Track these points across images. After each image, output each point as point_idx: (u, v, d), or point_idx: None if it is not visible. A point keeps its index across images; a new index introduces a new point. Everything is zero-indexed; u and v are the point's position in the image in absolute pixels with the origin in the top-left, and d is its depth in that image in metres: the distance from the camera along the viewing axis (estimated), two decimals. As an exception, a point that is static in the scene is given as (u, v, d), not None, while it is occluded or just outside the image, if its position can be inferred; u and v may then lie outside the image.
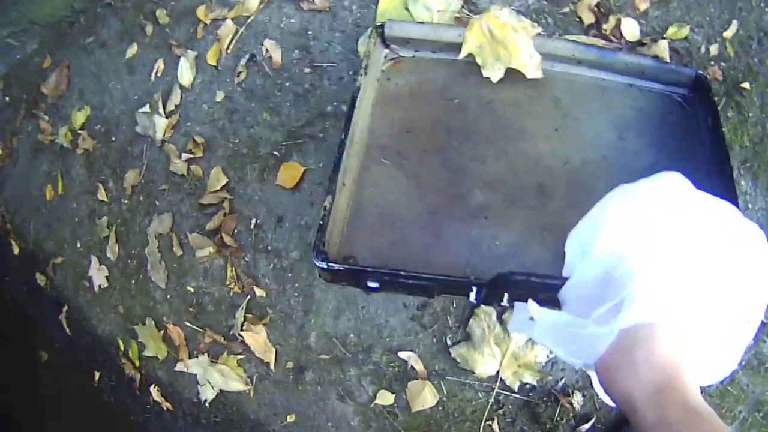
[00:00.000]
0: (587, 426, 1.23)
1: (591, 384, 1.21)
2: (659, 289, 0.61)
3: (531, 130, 1.06)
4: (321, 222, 0.88)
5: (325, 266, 0.85)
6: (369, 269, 0.85)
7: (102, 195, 1.52)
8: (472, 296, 0.84)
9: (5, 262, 1.84)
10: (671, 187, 0.68)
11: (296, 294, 1.26)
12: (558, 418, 1.23)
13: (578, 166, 1.03)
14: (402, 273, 0.84)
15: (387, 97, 1.10)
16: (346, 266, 0.87)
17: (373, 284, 0.86)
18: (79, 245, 1.56)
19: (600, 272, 0.67)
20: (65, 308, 1.60)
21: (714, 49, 1.31)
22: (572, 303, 0.70)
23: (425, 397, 1.23)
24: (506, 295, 0.81)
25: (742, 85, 1.28)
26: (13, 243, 1.79)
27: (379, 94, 1.11)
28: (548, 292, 0.73)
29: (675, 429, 0.55)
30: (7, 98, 1.98)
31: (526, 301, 0.70)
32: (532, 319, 0.70)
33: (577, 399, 1.22)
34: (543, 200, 1.00)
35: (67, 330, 1.61)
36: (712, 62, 1.31)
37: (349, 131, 0.97)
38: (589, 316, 0.65)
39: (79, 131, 1.62)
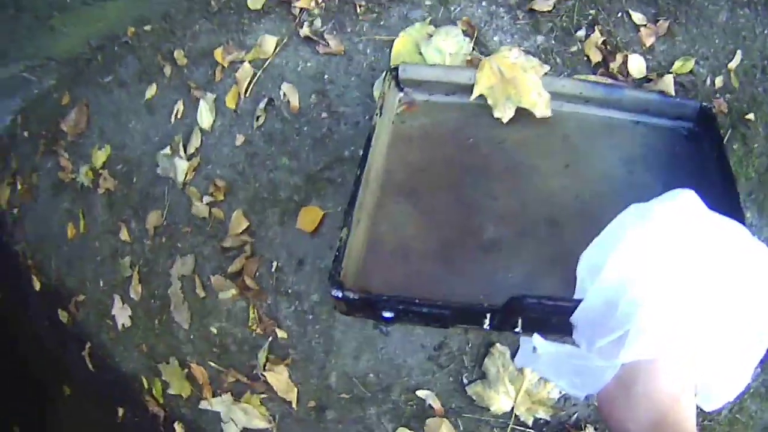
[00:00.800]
0: None
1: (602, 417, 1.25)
2: (662, 323, 0.61)
3: (542, 167, 1.09)
4: (337, 254, 0.90)
5: (341, 295, 0.86)
6: (384, 297, 0.86)
7: (124, 235, 1.57)
8: (486, 323, 0.85)
9: (27, 298, 1.89)
10: (683, 207, 0.68)
11: (317, 335, 1.30)
12: None
13: (588, 199, 1.06)
14: (416, 301, 0.86)
15: (401, 139, 1.14)
16: (360, 295, 0.88)
17: (387, 314, 0.87)
18: (101, 284, 1.61)
19: (607, 298, 0.66)
20: (88, 345, 1.65)
21: (719, 81, 1.34)
22: (583, 328, 0.69)
23: (443, 433, 1.28)
24: (519, 320, 0.82)
25: (747, 116, 1.32)
26: (35, 279, 1.84)
27: (394, 135, 1.15)
28: (560, 316, 0.72)
29: None
30: (26, 133, 2.04)
31: (532, 334, 0.71)
32: (536, 351, 0.70)
33: None
34: (554, 232, 1.02)
35: (90, 366, 1.66)
36: (717, 95, 1.35)
37: (364, 169, 1.00)
38: (596, 344, 0.65)
39: (100, 171, 1.67)
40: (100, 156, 1.70)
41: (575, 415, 1.26)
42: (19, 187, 1.98)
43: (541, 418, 1.26)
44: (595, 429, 1.27)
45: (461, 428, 1.27)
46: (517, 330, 0.85)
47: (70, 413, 1.77)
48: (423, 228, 1.03)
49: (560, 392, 1.25)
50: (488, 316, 0.86)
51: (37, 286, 1.83)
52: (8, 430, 1.81)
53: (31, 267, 1.86)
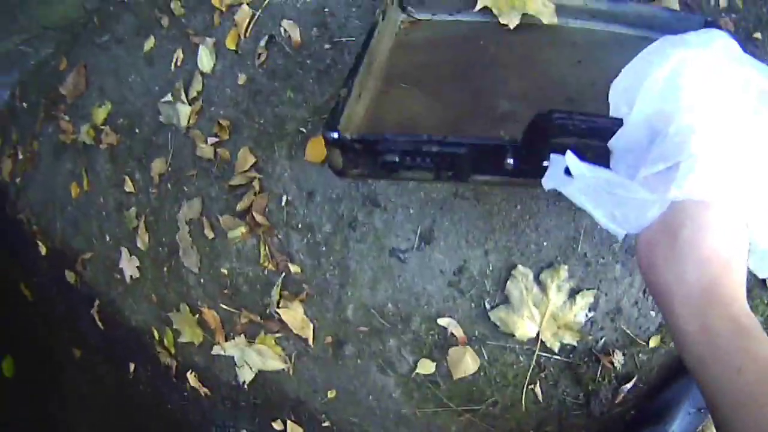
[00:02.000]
0: (629, 385, 1.21)
1: (630, 342, 1.19)
2: (720, 159, 0.53)
3: (554, 60, 1.05)
4: (334, 106, 0.81)
5: (336, 136, 0.77)
6: (387, 137, 0.76)
7: (129, 187, 1.51)
8: (509, 161, 0.73)
9: (33, 264, 1.83)
10: (723, 41, 0.60)
11: (331, 267, 1.24)
12: (600, 379, 1.21)
13: (605, 88, 1.00)
14: (425, 139, 0.76)
15: (405, 46, 1.09)
16: (360, 136, 0.78)
17: (391, 157, 0.77)
18: (108, 239, 1.55)
19: (652, 124, 0.57)
20: (97, 303, 1.59)
21: (723, 2, 1.28)
22: (623, 156, 0.60)
23: (466, 363, 1.21)
24: (548, 152, 0.69)
25: (755, 35, 1.26)
26: (40, 244, 1.79)
27: (397, 43, 1.09)
28: (597, 139, 0.63)
29: (717, 343, 0.49)
30: (25, 104, 1.99)
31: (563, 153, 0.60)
32: (569, 174, 0.60)
33: (618, 358, 1.20)
34: (573, 108, 0.96)
35: (100, 324, 1.60)
36: (723, 14, 1.29)
37: (366, 51, 0.93)
38: (638, 173, 0.56)
39: (102, 127, 1.62)
40: (100, 113, 1.64)
41: (603, 340, 1.20)
42: (20, 157, 1.92)
43: (567, 344, 1.20)
44: (624, 354, 1.20)
45: (485, 357, 1.21)
46: (546, 164, 0.70)
47: (82, 375, 1.71)
48: (430, 107, 0.95)
49: (587, 315, 1.19)
50: (510, 150, 0.75)
51: (43, 251, 1.78)
52: (25, 397, 1.75)
53: (36, 233, 1.80)
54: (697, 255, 0.51)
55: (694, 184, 0.52)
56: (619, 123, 0.61)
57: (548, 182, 0.64)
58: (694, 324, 0.50)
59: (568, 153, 0.60)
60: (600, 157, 0.61)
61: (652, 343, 1.18)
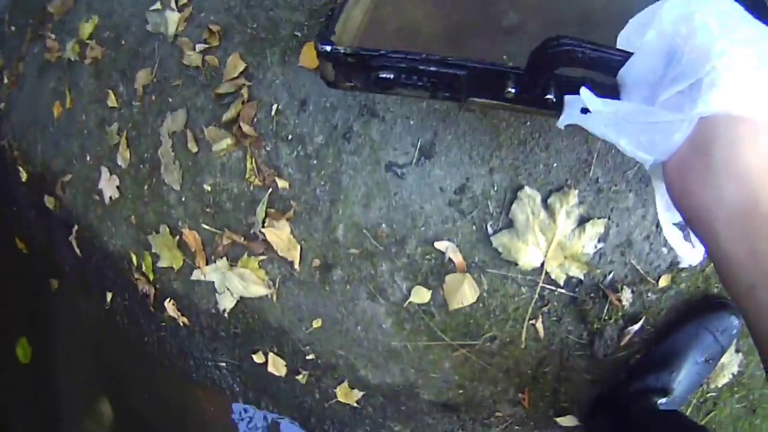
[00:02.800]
0: (636, 327, 1.09)
1: (640, 279, 1.07)
2: (748, 68, 0.47)
3: None
4: (330, 14, 0.76)
5: (329, 49, 0.72)
6: (382, 52, 0.70)
7: (112, 101, 1.39)
8: (510, 88, 0.69)
9: (13, 191, 1.72)
10: None
11: (322, 183, 1.12)
12: (606, 317, 1.09)
13: (623, 7, 0.89)
14: (422, 57, 0.70)
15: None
16: (353, 50, 0.73)
17: (385, 74, 0.72)
18: (88, 158, 1.44)
19: (667, 45, 0.53)
20: (75, 228, 1.48)
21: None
22: (634, 88, 0.56)
23: (464, 292, 1.09)
24: (552, 83, 0.66)
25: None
26: (21, 170, 1.67)
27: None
28: (605, 69, 0.58)
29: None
30: (13, 28, 1.87)
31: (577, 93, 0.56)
32: (585, 112, 0.57)
33: (626, 296, 1.08)
34: (585, 29, 0.85)
35: (78, 251, 1.49)
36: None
37: None
38: (655, 104, 0.52)
39: (87, 41, 1.50)
40: (86, 28, 1.52)
41: (611, 275, 1.08)
42: (6, 80, 1.80)
43: (573, 277, 1.08)
44: (632, 292, 1.08)
45: (485, 286, 1.09)
46: (548, 97, 0.67)
47: (59, 307, 1.60)
48: (433, 13, 0.86)
49: (595, 246, 1.06)
50: (512, 77, 0.69)
51: (24, 176, 1.66)
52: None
53: (18, 158, 1.69)
54: (734, 171, 0.46)
55: (720, 97, 0.47)
56: (629, 56, 0.56)
57: (564, 121, 0.61)
58: (740, 248, 0.46)
59: (583, 90, 0.55)
60: (610, 90, 0.58)
61: (662, 282, 1.06)
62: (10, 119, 1.73)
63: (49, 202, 1.56)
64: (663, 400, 1.06)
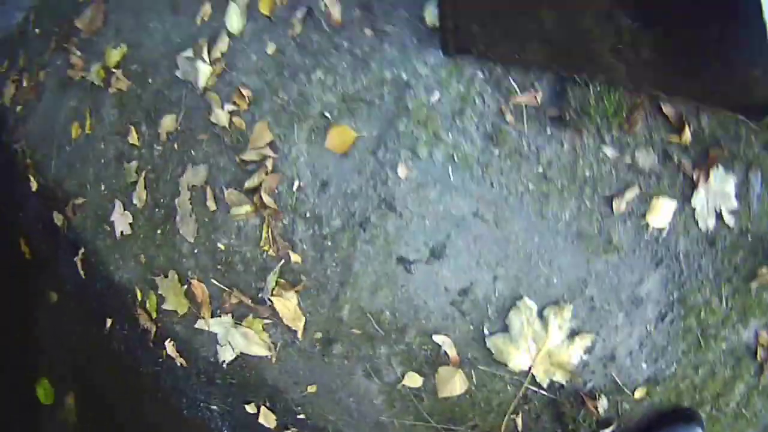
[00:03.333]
0: (608, 431, 1.16)
1: (617, 390, 1.14)
2: None
3: None
4: None
5: None
6: None
7: (133, 138, 1.41)
8: None
9: (22, 198, 1.72)
10: None
11: (334, 264, 1.17)
12: (581, 420, 1.16)
13: None
14: None
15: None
16: None
17: None
18: (103, 188, 1.45)
19: None
20: (82, 251, 1.49)
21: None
22: None
23: (454, 383, 1.16)
24: None
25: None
26: (32, 179, 1.68)
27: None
28: None
29: None
30: (37, 30, 1.85)
31: None
32: None
33: (603, 403, 1.15)
34: None
35: (82, 273, 1.51)
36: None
37: None
38: None
39: (114, 70, 1.50)
40: (114, 55, 1.52)
41: (591, 383, 1.15)
42: (24, 84, 1.79)
43: (557, 382, 1.15)
44: (608, 400, 1.15)
45: (474, 380, 1.16)
46: None
47: (55, 321, 1.62)
48: None
49: (581, 357, 1.14)
50: None
51: (34, 186, 1.66)
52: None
53: (30, 166, 1.69)
54: None
55: None
56: None
57: None
58: None
59: None
60: None
61: (638, 394, 1.14)
62: (26, 125, 1.72)
63: (57, 219, 1.57)
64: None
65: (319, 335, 1.19)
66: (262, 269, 1.21)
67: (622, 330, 1.12)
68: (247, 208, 1.21)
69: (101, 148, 1.48)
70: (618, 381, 1.14)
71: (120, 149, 1.44)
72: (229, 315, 1.25)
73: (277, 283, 1.19)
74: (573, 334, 1.12)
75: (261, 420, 1.30)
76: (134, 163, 1.40)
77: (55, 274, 1.64)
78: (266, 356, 1.24)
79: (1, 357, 1.61)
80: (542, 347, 1.13)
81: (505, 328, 1.13)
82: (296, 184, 1.19)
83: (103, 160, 1.47)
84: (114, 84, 1.49)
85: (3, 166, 1.82)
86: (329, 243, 1.17)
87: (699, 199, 1.10)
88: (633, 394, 1.14)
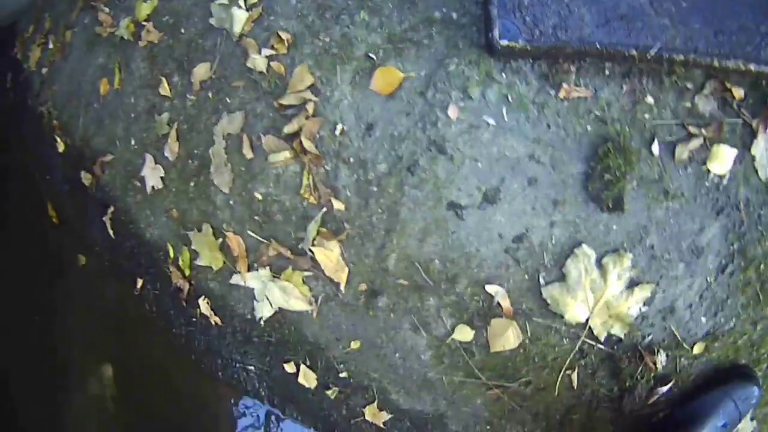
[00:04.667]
0: (665, 388, 1.08)
1: (676, 344, 1.04)
2: None
3: None
4: None
5: None
6: None
7: (165, 90, 1.32)
8: None
9: (48, 161, 1.64)
10: None
11: (380, 211, 1.07)
12: (638, 376, 1.07)
13: None
14: None
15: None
16: None
17: None
18: (133, 143, 1.37)
19: None
20: (111, 209, 1.41)
21: None
22: None
23: (508, 337, 1.06)
24: None
25: None
26: (58, 140, 1.59)
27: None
28: None
29: None
30: (63, -9, 1.76)
31: None
32: None
33: (661, 359, 1.06)
34: None
35: (111, 232, 1.42)
36: None
37: None
38: None
39: (144, 23, 1.41)
40: (144, 8, 1.43)
41: (650, 337, 1.06)
42: (50, 46, 1.70)
43: (614, 335, 1.05)
44: (667, 356, 1.06)
45: (528, 334, 1.06)
46: None
47: (84, 284, 1.53)
48: None
49: (640, 309, 1.04)
50: None
51: (61, 147, 1.58)
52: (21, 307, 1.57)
53: (56, 128, 1.60)
54: None
55: None
56: None
57: None
58: None
59: None
60: None
61: (696, 349, 1.06)
62: (51, 87, 1.64)
63: (85, 178, 1.48)
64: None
65: (363, 287, 1.10)
66: (302, 218, 1.12)
67: (682, 281, 1.03)
68: (286, 154, 1.12)
69: (131, 103, 1.39)
70: (677, 335, 1.04)
71: (151, 102, 1.35)
72: (267, 268, 1.15)
73: (318, 232, 1.10)
74: (632, 284, 1.03)
75: (301, 380, 1.21)
76: (166, 115, 1.31)
77: (84, 236, 1.55)
78: (306, 311, 1.14)
79: (31, 325, 1.53)
80: (600, 298, 1.03)
81: (562, 278, 1.03)
82: (339, 127, 1.09)
83: (132, 115, 1.38)
84: (144, 37, 1.40)
85: (30, 130, 1.74)
86: (375, 188, 1.07)
87: (759, 148, 1.02)
88: (691, 350, 1.05)
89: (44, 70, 1.71)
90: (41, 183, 1.70)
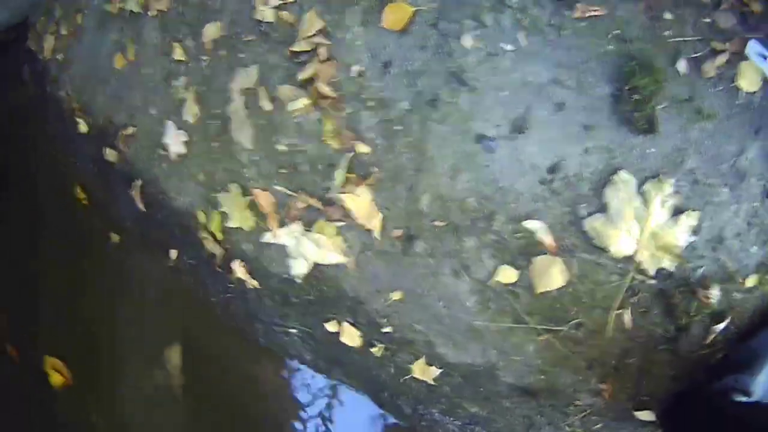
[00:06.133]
0: (722, 326, 1.02)
1: (729, 277, 1.01)
2: None
3: None
4: None
5: None
6: None
7: (179, 55, 1.34)
8: None
9: (73, 144, 1.71)
10: None
11: (406, 150, 1.07)
12: (693, 314, 1.03)
13: None
14: None
15: None
16: None
17: None
18: (153, 111, 1.40)
19: None
20: (138, 182, 1.45)
21: None
22: None
23: (552, 275, 1.04)
24: None
25: None
26: (81, 121, 1.65)
27: None
28: None
29: None
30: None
31: None
32: None
33: (715, 293, 1.01)
34: None
35: (141, 206, 1.47)
36: None
37: None
38: None
39: (151, -9, 1.44)
40: (151, -24, 1.46)
41: (701, 270, 1.01)
42: (63, 32, 1.77)
43: (664, 269, 1.01)
44: (720, 290, 1.02)
45: (575, 270, 1.04)
46: None
47: (119, 262, 1.60)
48: None
49: (687, 239, 1.00)
50: None
51: (84, 128, 1.64)
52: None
53: (77, 109, 1.66)
54: None
55: None
56: None
57: None
58: None
59: None
60: None
61: (750, 282, 1.01)
62: (69, 71, 1.69)
63: (110, 155, 1.54)
64: (743, 401, 1.02)
65: (398, 232, 1.10)
66: (328, 166, 1.12)
67: (728, 207, 0.98)
68: (304, 101, 1.13)
69: (147, 73, 1.42)
70: (729, 267, 1.00)
71: (166, 68, 1.37)
72: (299, 222, 1.17)
73: (346, 179, 1.11)
74: (677, 212, 0.99)
75: (344, 339, 1.23)
76: (182, 80, 1.33)
77: (114, 214, 1.61)
78: (343, 264, 1.16)
79: (74, 311, 1.61)
80: (645, 228, 1.00)
81: (603, 208, 1.01)
82: (355, 69, 1.09)
83: (150, 84, 1.41)
84: (154, 6, 1.43)
85: (52, 117, 1.82)
86: (399, 127, 1.07)
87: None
88: (744, 282, 1.00)
89: (59, 56, 1.76)
90: (68, 167, 1.78)
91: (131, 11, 1.50)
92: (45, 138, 1.88)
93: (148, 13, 1.45)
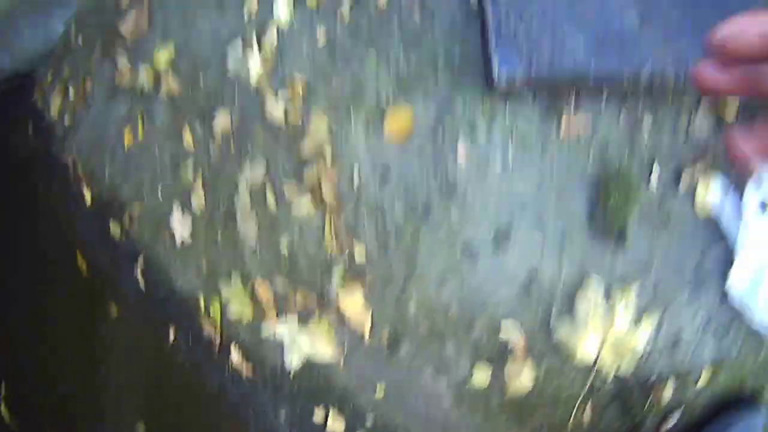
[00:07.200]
0: (673, 421, 1.31)
1: (684, 375, 1.27)
2: None
3: None
4: None
5: None
6: None
7: (188, 140, 1.63)
8: None
9: (76, 211, 1.99)
10: None
11: (398, 257, 1.33)
12: (647, 410, 1.31)
13: None
14: None
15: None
16: None
17: None
18: (159, 193, 1.68)
19: None
20: (141, 260, 1.72)
21: None
22: None
23: (523, 378, 1.32)
24: None
25: None
26: (85, 190, 1.93)
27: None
28: None
29: None
30: (80, 40, 2.12)
31: None
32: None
33: (668, 391, 1.29)
34: None
35: (142, 284, 1.74)
36: None
37: None
38: None
39: (163, 73, 1.73)
40: (162, 56, 1.75)
41: (658, 369, 1.29)
42: (71, 95, 2.06)
43: (624, 369, 1.29)
44: (674, 387, 1.30)
45: (543, 374, 1.31)
46: None
47: (118, 334, 1.87)
48: None
49: (647, 341, 1.28)
50: None
51: (88, 198, 1.92)
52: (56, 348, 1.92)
53: (82, 178, 1.94)
54: None
55: None
56: None
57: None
58: None
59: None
60: None
61: (702, 380, 1.29)
62: (76, 136, 1.98)
63: (114, 229, 1.82)
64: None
65: (386, 333, 1.36)
66: (326, 266, 1.40)
67: (688, 309, 1.27)
68: (307, 202, 1.40)
69: (155, 153, 1.71)
70: (684, 366, 1.28)
71: (175, 152, 1.66)
72: (295, 316, 1.43)
73: (342, 279, 1.37)
74: (640, 314, 1.27)
75: (329, 427, 1.48)
76: (190, 165, 1.62)
77: (115, 287, 1.88)
78: (334, 358, 1.41)
79: (65, 376, 1.88)
80: (610, 332, 1.27)
81: (573, 314, 1.27)
82: (356, 175, 1.37)
83: (158, 165, 1.70)
84: (164, 87, 1.72)
85: (55, 180, 2.10)
86: (393, 235, 1.34)
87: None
88: (698, 380, 1.29)
89: (66, 119, 2.06)
90: (69, 232, 2.06)
91: (142, 88, 1.79)
92: (48, 196, 2.16)
93: (159, 93, 1.74)
